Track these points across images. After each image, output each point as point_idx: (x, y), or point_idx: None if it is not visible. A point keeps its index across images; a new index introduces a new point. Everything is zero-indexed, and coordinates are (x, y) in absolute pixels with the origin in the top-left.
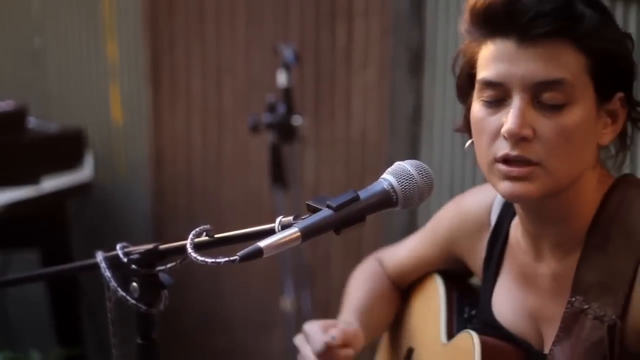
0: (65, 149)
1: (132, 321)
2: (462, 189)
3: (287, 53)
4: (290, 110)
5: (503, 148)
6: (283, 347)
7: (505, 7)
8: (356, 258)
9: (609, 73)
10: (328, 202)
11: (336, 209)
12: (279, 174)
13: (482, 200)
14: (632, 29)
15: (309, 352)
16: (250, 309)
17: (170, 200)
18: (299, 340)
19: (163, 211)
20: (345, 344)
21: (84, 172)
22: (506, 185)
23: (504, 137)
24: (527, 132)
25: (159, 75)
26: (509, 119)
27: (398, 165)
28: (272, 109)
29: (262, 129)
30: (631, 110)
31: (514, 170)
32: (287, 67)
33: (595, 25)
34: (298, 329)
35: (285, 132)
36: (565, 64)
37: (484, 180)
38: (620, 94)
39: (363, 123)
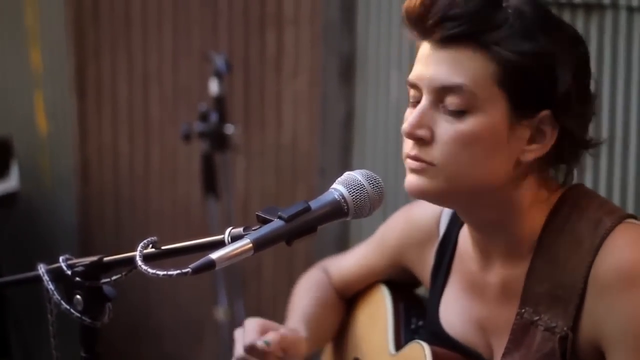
0: None
1: (69, 333)
2: (395, 196)
3: (219, 61)
4: (222, 119)
5: (407, 147)
6: (216, 357)
7: (419, 10)
8: (287, 266)
9: (524, 87)
10: (279, 213)
11: (287, 220)
12: (211, 183)
13: (431, 209)
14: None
15: (239, 350)
16: (181, 319)
17: (97, 211)
18: (237, 333)
19: (89, 222)
20: (282, 349)
21: (10, 182)
22: (407, 178)
23: None
24: (422, 133)
25: (84, 83)
26: (408, 119)
27: (349, 175)
28: (204, 117)
29: (195, 138)
30: (561, 130)
31: (413, 162)
32: (218, 75)
33: (514, 35)
34: (232, 338)
35: (217, 140)
36: (469, 70)
37: None
38: (546, 112)
39: (294, 131)
